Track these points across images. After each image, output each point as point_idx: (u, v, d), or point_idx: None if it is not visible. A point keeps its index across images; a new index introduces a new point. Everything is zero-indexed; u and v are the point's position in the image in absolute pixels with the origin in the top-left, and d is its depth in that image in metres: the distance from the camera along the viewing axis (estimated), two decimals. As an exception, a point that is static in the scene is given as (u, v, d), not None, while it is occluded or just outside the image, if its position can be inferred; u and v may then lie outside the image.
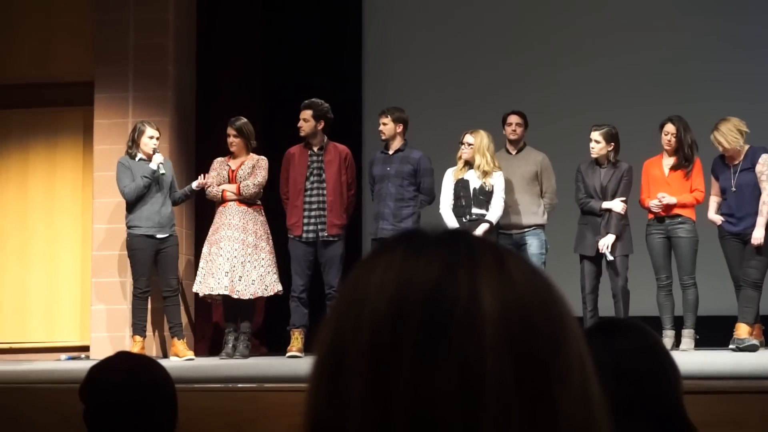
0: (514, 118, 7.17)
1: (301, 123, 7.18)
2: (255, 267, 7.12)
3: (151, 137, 7.09)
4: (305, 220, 7.16)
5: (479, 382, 0.68)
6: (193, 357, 7.13)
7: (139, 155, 7.09)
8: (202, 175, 7.26)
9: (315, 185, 7.20)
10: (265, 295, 7.22)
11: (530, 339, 0.70)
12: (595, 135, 6.93)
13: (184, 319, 7.71)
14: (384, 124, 7.13)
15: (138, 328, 7.08)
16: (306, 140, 7.26)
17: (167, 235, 7.11)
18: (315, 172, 7.22)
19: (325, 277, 7.20)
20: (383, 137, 7.16)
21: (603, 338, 1.72)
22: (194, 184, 7.26)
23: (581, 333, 0.74)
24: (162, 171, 7.01)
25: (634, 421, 1.66)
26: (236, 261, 7.04)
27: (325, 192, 7.18)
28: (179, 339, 7.12)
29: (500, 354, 0.69)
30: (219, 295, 7.09)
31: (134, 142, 7.10)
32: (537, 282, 0.73)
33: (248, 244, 7.11)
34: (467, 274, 0.71)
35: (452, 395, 0.68)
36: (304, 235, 7.16)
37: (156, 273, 7.15)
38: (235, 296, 7.03)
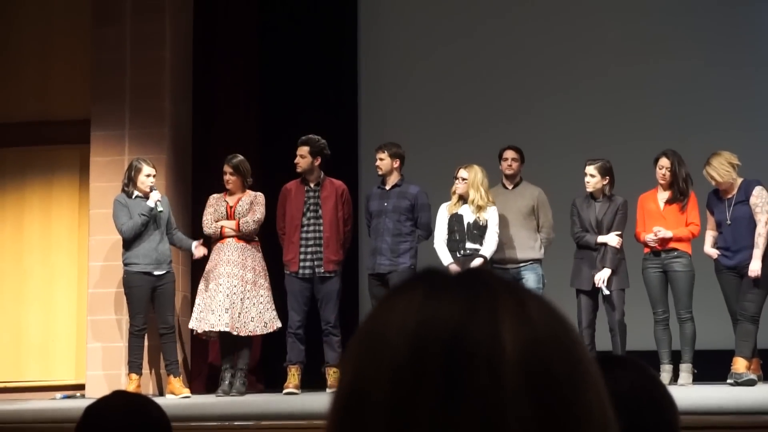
0: (509, 153, 7.19)
1: (298, 159, 7.20)
2: (254, 304, 7.11)
3: (148, 175, 7.09)
4: (302, 256, 7.16)
5: (501, 428, 0.68)
6: (190, 395, 7.09)
7: (136, 193, 7.09)
8: (203, 246, 7.20)
9: (312, 221, 7.21)
10: (265, 332, 7.20)
11: (551, 383, 0.69)
12: (590, 169, 6.96)
13: (180, 356, 7.68)
14: (381, 159, 7.15)
15: (134, 366, 7.05)
16: (303, 176, 7.28)
17: (164, 272, 7.10)
18: (312, 207, 7.23)
19: (321, 313, 7.19)
20: (380, 173, 7.18)
21: (601, 371, 1.71)
22: (194, 248, 7.17)
23: (600, 376, 0.74)
24: (160, 208, 7.01)
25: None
26: (236, 297, 7.03)
27: (321, 228, 7.19)
28: (175, 377, 7.09)
29: (521, 399, 0.68)
30: (216, 331, 7.05)
31: (131, 180, 7.10)
32: (556, 324, 0.73)
33: (247, 281, 7.10)
34: (488, 315, 0.71)
35: None
36: (301, 271, 7.15)
37: (152, 310, 7.13)
38: (235, 333, 7.01)
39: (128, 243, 7.04)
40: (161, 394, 7.30)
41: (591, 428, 0.71)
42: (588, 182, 6.94)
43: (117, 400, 2.02)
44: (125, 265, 7.06)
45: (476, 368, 0.68)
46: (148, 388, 7.33)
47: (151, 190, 7.05)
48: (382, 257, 7.01)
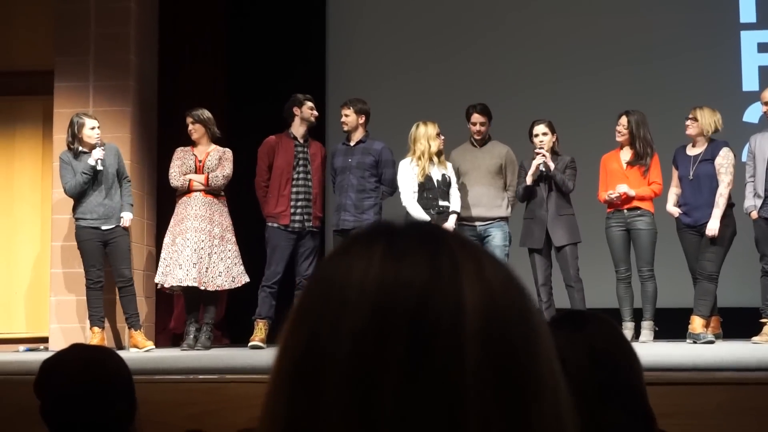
0: (477, 118, 7.14)
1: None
2: (222, 259, 7.08)
3: (93, 128, 6.99)
4: (292, 210, 7.14)
5: (461, 402, 0.67)
6: (154, 347, 7.08)
7: (81, 148, 6.99)
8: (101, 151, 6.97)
9: (301, 176, 7.21)
10: (232, 287, 7.17)
11: (508, 351, 0.70)
12: (541, 128, 6.99)
13: (145, 310, 7.66)
14: (346, 115, 7.13)
15: (95, 320, 7.01)
16: (288, 131, 7.24)
17: (113, 226, 7.02)
18: (301, 162, 7.23)
19: (299, 267, 7.19)
20: (345, 129, 7.16)
21: (572, 328, 1.73)
22: (123, 217, 7.04)
23: (552, 340, 0.74)
24: (100, 167, 6.92)
25: (609, 408, 1.68)
26: (203, 252, 6.99)
27: (310, 184, 7.20)
28: (136, 330, 7.05)
29: (481, 367, 0.68)
30: (181, 286, 7.02)
31: (74, 137, 6.98)
32: (512, 289, 0.73)
33: (214, 236, 7.06)
34: (450, 282, 0.70)
35: (435, 413, 0.67)
36: (291, 224, 7.14)
37: (108, 264, 7.08)
38: (203, 288, 6.99)
39: (76, 198, 6.98)
40: (120, 347, 7.27)
41: (545, 394, 0.71)
42: (542, 141, 6.95)
43: (74, 354, 2.01)
44: (75, 219, 7.00)
45: (439, 337, 0.68)
46: (105, 342, 7.29)
47: (96, 146, 6.95)
48: (347, 213, 7.01)
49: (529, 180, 6.91)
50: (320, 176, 7.30)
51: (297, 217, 7.15)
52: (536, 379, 0.71)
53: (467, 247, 0.74)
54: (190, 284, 6.94)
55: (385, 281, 0.70)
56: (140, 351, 6.83)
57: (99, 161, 6.90)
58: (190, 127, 7.23)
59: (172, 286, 7.08)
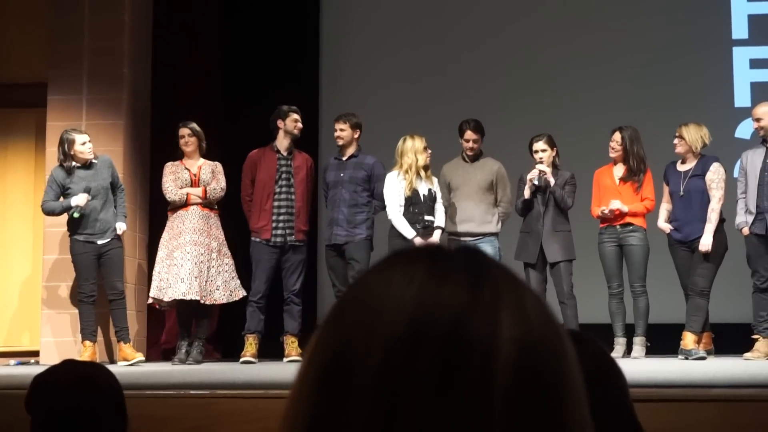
0: (470, 135, 7.14)
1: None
2: (219, 272, 7.07)
3: (84, 143, 6.97)
4: (274, 224, 7.14)
5: (487, 426, 0.67)
6: (143, 358, 7.05)
7: (75, 164, 6.98)
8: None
9: (284, 189, 7.19)
10: (230, 301, 7.15)
11: (539, 391, 0.69)
12: (540, 145, 7.01)
13: (137, 325, 7.64)
14: (342, 130, 7.14)
15: (87, 334, 6.99)
16: (272, 144, 7.24)
17: (108, 239, 7.01)
18: (284, 176, 7.21)
19: (286, 282, 7.18)
20: (341, 143, 7.16)
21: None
22: (119, 227, 7.03)
23: (582, 382, 0.74)
24: (75, 215, 6.89)
25: (600, 428, 1.67)
26: (203, 266, 6.97)
27: (293, 197, 7.18)
28: (125, 343, 7.03)
29: (510, 399, 0.68)
30: (170, 300, 6.98)
31: (66, 155, 6.95)
32: (548, 323, 0.73)
33: (212, 249, 7.05)
34: (489, 309, 0.70)
35: None
36: (273, 239, 7.13)
37: (101, 277, 7.06)
38: (202, 302, 6.96)
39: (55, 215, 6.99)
40: (112, 361, 7.24)
41: (572, 429, 0.71)
42: (542, 158, 6.96)
43: (65, 369, 2.00)
44: (70, 233, 6.99)
45: (471, 363, 0.68)
46: (97, 356, 7.27)
47: (91, 162, 6.93)
48: (339, 228, 7.01)
49: (526, 194, 6.93)
50: (304, 189, 7.26)
51: (279, 232, 7.14)
52: (562, 420, 0.70)
53: (510, 279, 0.74)
54: (193, 298, 6.90)
55: (425, 299, 0.70)
56: (129, 363, 6.80)
57: (78, 207, 6.87)
58: (186, 139, 7.23)
59: (161, 302, 7.04)
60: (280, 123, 7.24)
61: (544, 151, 6.97)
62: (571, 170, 7.07)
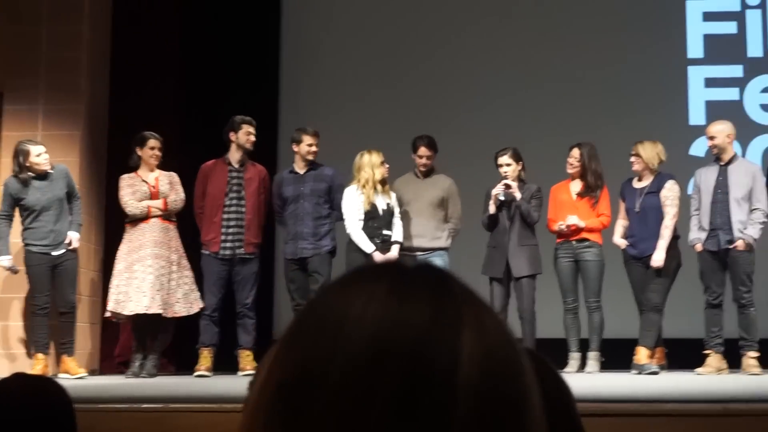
0: (424, 151, 7.18)
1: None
2: (179, 285, 7.01)
3: (39, 154, 6.90)
4: (223, 237, 7.10)
5: None
6: (86, 375, 6.97)
7: (31, 175, 6.91)
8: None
9: (234, 202, 7.15)
10: (190, 314, 7.10)
11: (499, 410, 0.69)
12: (505, 159, 7.03)
13: (90, 338, 7.55)
14: (317, 144, 7.13)
15: (40, 346, 6.90)
16: (225, 156, 7.22)
17: (63, 251, 6.95)
18: (235, 188, 7.17)
19: (237, 295, 7.15)
20: (312, 158, 7.14)
21: None
22: (73, 238, 6.98)
23: (541, 404, 0.74)
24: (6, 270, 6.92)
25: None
26: (164, 279, 6.92)
27: (244, 209, 7.14)
28: (70, 356, 6.95)
29: (469, 423, 0.67)
30: (126, 314, 6.91)
31: (21, 166, 6.89)
32: (510, 348, 0.72)
33: (173, 261, 7.00)
34: (450, 330, 0.69)
35: None
36: (221, 251, 7.09)
37: (54, 288, 6.98)
38: (164, 315, 6.90)
39: (23, 221, 6.90)
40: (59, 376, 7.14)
41: None
42: (506, 172, 7.00)
43: (14, 383, 1.97)
44: (25, 244, 6.92)
45: (432, 382, 0.67)
46: (50, 368, 7.17)
47: (47, 173, 6.89)
48: (305, 242, 7.00)
49: (491, 209, 6.96)
50: (256, 201, 7.19)
51: (228, 244, 7.10)
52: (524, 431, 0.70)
53: (471, 297, 0.73)
54: (155, 311, 6.84)
55: (385, 319, 0.69)
56: (72, 378, 6.71)
57: (13, 267, 6.88)
58: (156, 151, 7.16)
59: (119, 315, 6.97)
60: (232, 135, 7.21)
61: (508, 165, 7.01)
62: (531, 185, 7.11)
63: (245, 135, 7.19)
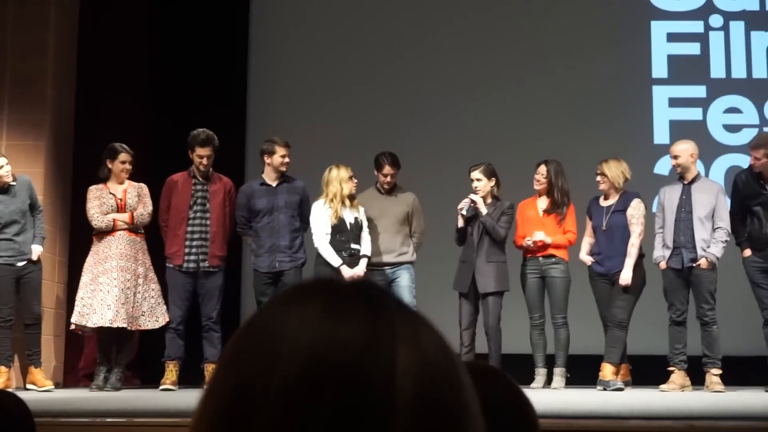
0: (388, 170, 7.19)
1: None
2: (146, 298, 6.96)
3: (1, 166, 6.83)
4: (186, 250, 7.06)
5: None
6: (53, 387, 6.89)
7: None
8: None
9: (198, 215, 7.11)
10: (156, 327, 7.04)
11: (438, 425, 0.69)
12: (476, 174, 7.06)
13: (54, 350, 7.47)
14: (289, 156, 7.12)
15: (3, 359, 6.82)
16: (190, 169, 7.18)
17: (26, 262, 6.88)
18: (199, 201, 7.13)
19: (203, 308, 7.11)
20: (285, 170, 7.12)
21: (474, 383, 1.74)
22: (34, 251, 6.93)
23: (480, 414, 0.74)
24: None
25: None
26: (129, 292, 6.86)
27: (208, 222, 7.10)
28: (37, 367, 6.88)
29: None
30: (92, 327, 6.85)
31: None
32: (447, 361, 0.72)
33: (139, 275, 6.95)
34: (386, 348, 0.69)
35: None
36: (185, 264, 7.05)
37: (19, 301, 6.91)
38: (129, 328, 6.84)
39: None
40: (27, 386, 7.07)
41: None
42: (476, 187, 7.03)
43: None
44: None
45: (370, 401, 0.67)
46: (13, 381, 7.09)
47: (8, 185, 6.81)
48: (282, 254, 6.98)
49: (459, 223, 6.99)
50: (221, 214, 7.15)
51: (192, 257, 7.07)
52: None
53: (405, 313, 0.73)
54: (120, 325, 6.77)
55: (320, 339, 0.68)
56: (39, 390, 6.63)
57: None
58: (127, 165, 7.11)
59: (84, 328, 6.90)
60: (190, 153, 7.19)
61: (479, 180, 7.03)
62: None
63: (198, 158, 7.09)
